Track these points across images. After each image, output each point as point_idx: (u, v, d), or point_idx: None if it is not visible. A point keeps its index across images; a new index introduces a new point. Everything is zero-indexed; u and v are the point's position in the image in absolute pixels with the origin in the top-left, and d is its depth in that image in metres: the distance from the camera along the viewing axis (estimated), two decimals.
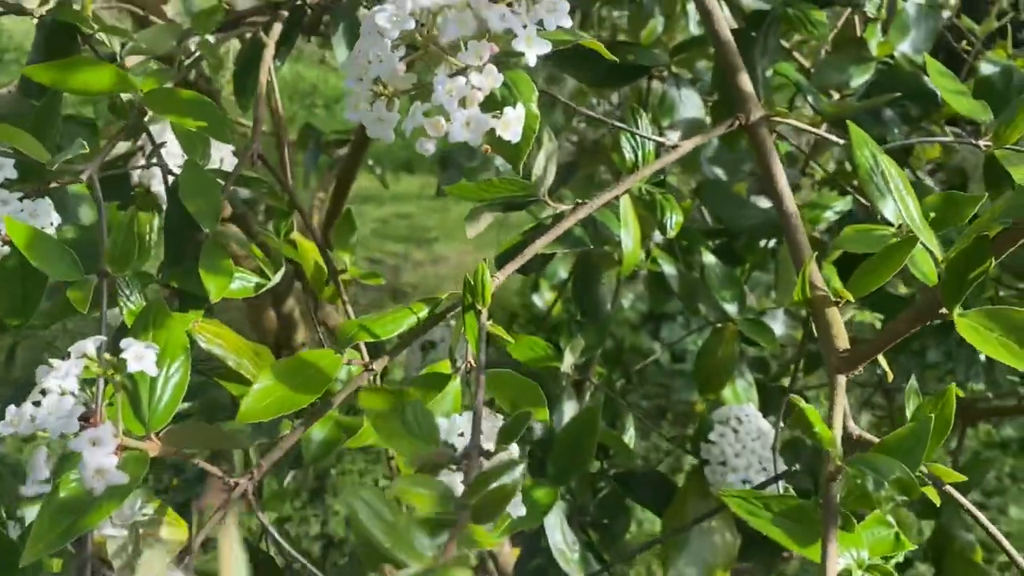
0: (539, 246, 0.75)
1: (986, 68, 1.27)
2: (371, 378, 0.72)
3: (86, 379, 0.61)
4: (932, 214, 0.85)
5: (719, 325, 1.15)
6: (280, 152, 1.10)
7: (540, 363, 1.07)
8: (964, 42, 1.68)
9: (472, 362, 0.72)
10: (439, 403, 0.72)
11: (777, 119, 0.80)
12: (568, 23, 0.63)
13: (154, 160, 0.90)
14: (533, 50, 0.62)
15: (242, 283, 0.81)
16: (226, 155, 1.13)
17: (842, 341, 0.69)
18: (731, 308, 1.13)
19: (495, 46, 0.61)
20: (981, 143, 0.90)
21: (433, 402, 0.72)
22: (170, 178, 0.90)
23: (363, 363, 0.72)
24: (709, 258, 1.14)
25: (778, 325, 1.22)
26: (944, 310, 0.61)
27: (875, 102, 1.20)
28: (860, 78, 1.39)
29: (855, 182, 1.61)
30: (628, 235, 1.00)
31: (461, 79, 0.61)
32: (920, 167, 1.58)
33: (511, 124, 0.62)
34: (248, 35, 1.21)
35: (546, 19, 0.62)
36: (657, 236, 1.21)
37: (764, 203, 1.29)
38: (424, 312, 0.71)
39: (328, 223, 2.50)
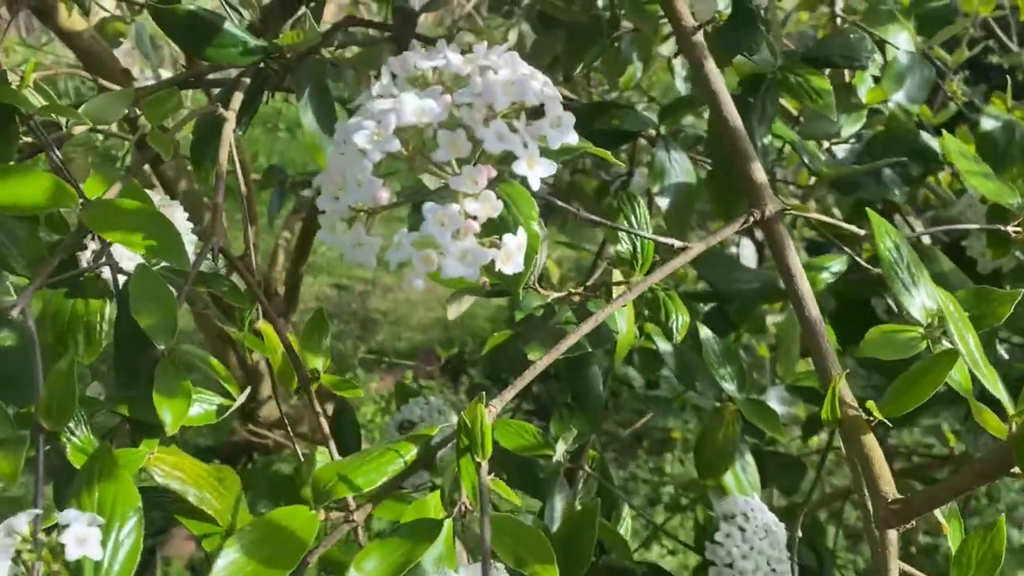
0: (543, 364, 0.67)
1: (987, 123, 1.22)
2: (352, 530, 0.63)
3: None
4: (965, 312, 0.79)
5: (718, 405, 1.08)
6: (244, 236, 1.01)
7: (530, 451, 0.99)
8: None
9: (467, 505, 0.63)
10: (428, 552, 0.64)
11: (794, 212, 0.73)
12: (575, 139, 0.55)
13: (103, 259, 0.81)
14: (536, 172, 0.54)
15: (203, 407, 0.72)
16: (179, 220, 1.03)
17: (886, 483, 0.62)
18: (731, 387, 1.05)
19: (492, 169, 0.53)
20: (1010, 228, 0.84)
21: (421, 551, 0.63)
22: (120, 278, 0.81)
23: (343, 514, 0.63)
24: (705, 332, 1.06)
25: (777, 403, 1.15)
26: (1016, 468, 0.54)
27: (875, 165, 1.14)
28: (851, 127, 1.33)
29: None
30: (622, 318, 0.93)
31: (454, 207, 0.53)
32: (909, 212, 1.52)
33: (512, 255, 0.54)
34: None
35: (551, 136, 0.54)
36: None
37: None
38: (411, 454, 0.63)
39: (295, 268, 2.41)
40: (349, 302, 4.37)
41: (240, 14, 1.27)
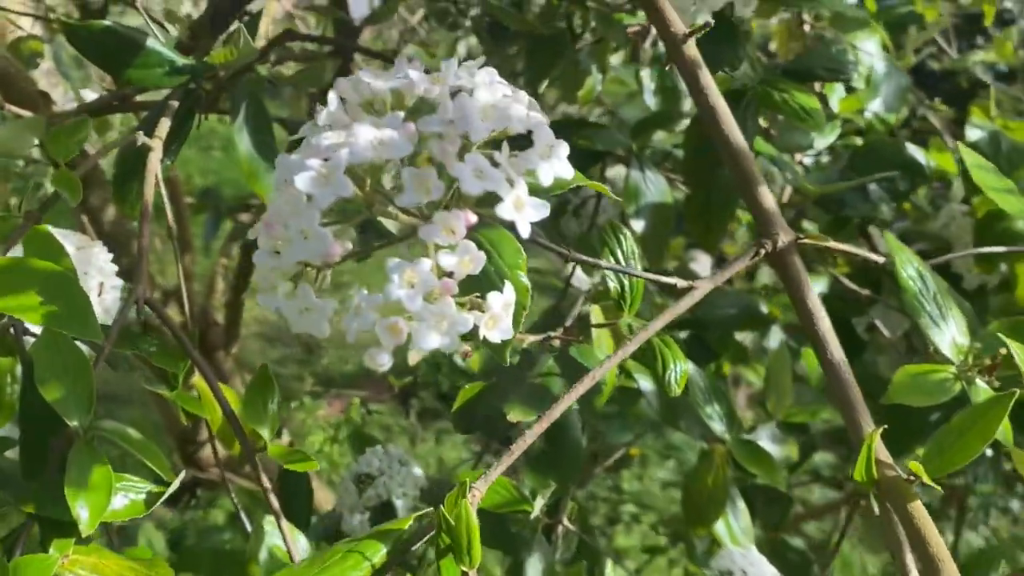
0: (535, 434, 0.57)
1: (972, 133, 1.15)
2: None
3: None
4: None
5: (706, 447, 0.98)
6: (178, 273, 0.89)
7: (507, 508, 0.89)
8: None
9: None
10: None
11: (809, 242, 0.64)
12: (570, 172, 0.46)
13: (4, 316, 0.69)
14: (525, 216, 0.44)
15: (129, 498, 0.61)
16: (101, 262, 0.91)
17: (947, 567, 0.52)
18: (719, 427, 0.96)
19: (471, 214, 0.43)
20: None
21: None
22: (28, 339, 0.69)
23: None
24: (688, 366, 0.97)
25: (768, 442, 1.06)
26: None
27: (861, 181, 1.06)
28: (825, 139, 1.25)
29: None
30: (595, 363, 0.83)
31: (425, 263, 0.43)
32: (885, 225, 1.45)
33: (499, 318, 0.44)
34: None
35: (541, 170, 0.44)
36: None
37: None
38: (380, 555, 0.52)
39: (235, 295, 2.28)
40: (313, 460, 4.22)
41: (166, 30, 1.15)
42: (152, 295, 0.75)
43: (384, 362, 0.43)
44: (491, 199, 0.44)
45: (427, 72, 0.47)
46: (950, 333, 0.67)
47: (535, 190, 0.45)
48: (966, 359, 0.66)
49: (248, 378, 2.63)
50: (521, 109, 0.44)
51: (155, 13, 1.27)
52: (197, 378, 0.87)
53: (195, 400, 0.85)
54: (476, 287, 0.45)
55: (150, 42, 0.91)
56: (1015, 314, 1.24)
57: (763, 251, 0.64)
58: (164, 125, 0.89)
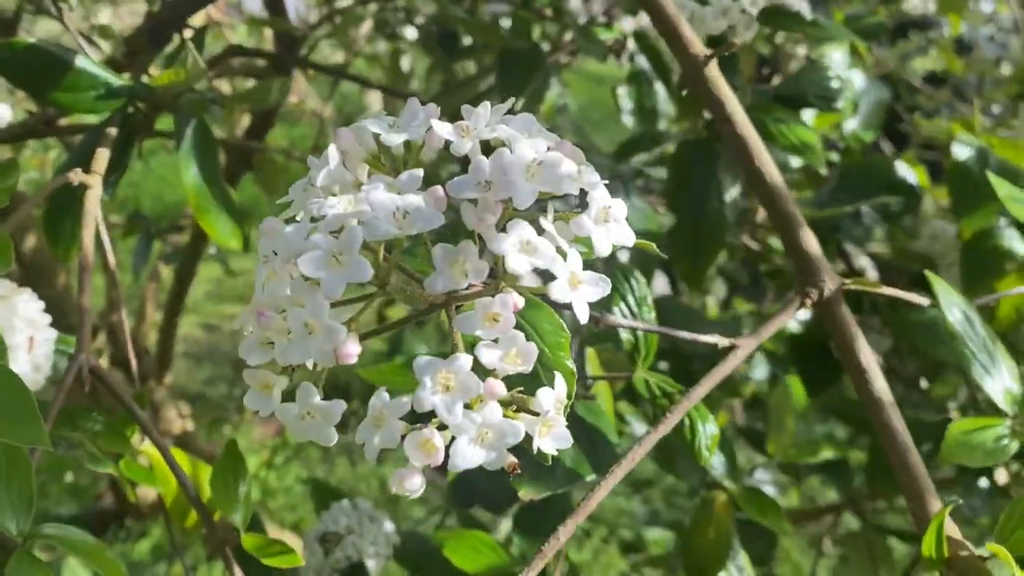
0: (572, 525, 0.48)
1: (960, 151, 1.10)
2: None
3: None
4: None
5: (706, 495, 0.92)
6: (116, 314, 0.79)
7: (492, 572, 0.81)
8: None
9: None
10: None
11: (856, 287, 0.57)
12: (631, 239, 0.38)
13: None
14: (582, 295, 0.36)
15: None
16: (30, 313, 0.80)
17: None
18: (719, 472, 0.89)
19: (518, 297, 0.35)
20: None
21: None
22: None
23: None
24: (716, 428, 0.90)
25: (768, 486, 0.99)
26: None
27: (856, 206, 1.01)
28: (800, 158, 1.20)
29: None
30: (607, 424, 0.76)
31: (463, 361, 0.34)
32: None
33: (554, 422, 0.36)
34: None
35: (597, 239, 0.36)
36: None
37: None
38: None
39: (168, 321, 2.15)
40: (219, 343, 4.04)
41: (95, 46, 1.04)
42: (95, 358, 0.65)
43: (416, 487, 0.35)
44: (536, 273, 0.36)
45: (450, 120, 0.38)
46: (1002, 382, 0.61)
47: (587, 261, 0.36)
48: (1021, 410, 0.60)
49: (183, 407, 2.49)
50: (571, 166, 0.36)
51: (81, 27, 1.15)
52: (147, 444, 0.77)
53: (145, 471, 0.75)
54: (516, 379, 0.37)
55: (80, 61, 0.81)
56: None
57: (808, 300, 0.57)
58: (102, 157, 0.78)
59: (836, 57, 1.21)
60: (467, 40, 1.59)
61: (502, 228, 0.35)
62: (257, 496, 2.97)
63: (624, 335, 0.65)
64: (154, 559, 2.70)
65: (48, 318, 0.79)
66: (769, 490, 0.93)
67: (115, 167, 0.82)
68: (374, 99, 2.48)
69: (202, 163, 0.88)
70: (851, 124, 1.23)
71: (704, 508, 0.91)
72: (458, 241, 0.37)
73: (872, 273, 1.37)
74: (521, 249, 0.34)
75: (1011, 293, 0.78)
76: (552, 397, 0.36)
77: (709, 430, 0.62)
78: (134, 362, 0.79)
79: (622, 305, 0.66)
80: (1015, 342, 0.98)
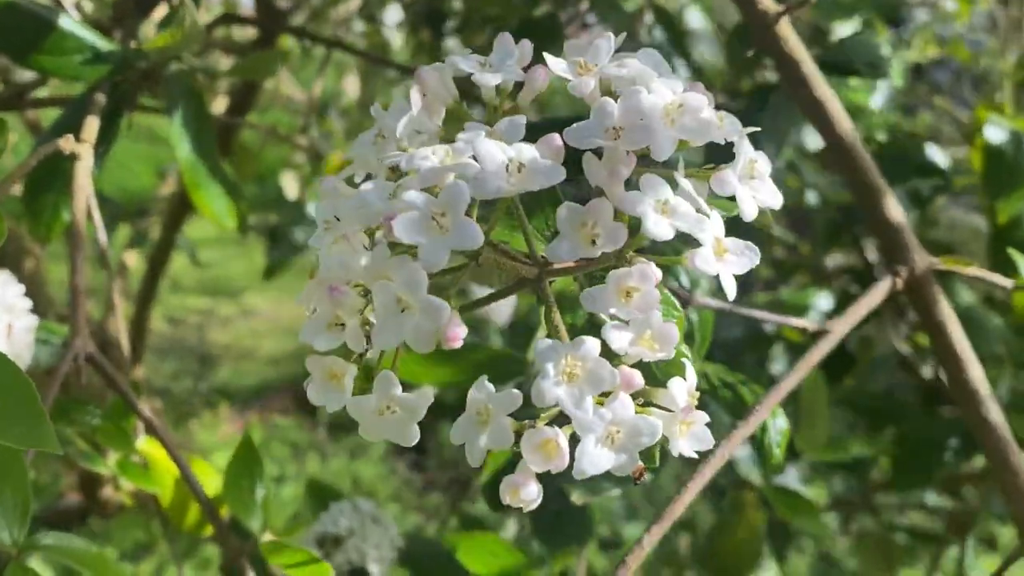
0: (658, 534, 0.42)
1: (993, 134, 1.06)
2: None
3: None
4: None
5: (735, 494, 0.86)
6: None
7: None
8: None
9: None
10: None
11: (949, 268, 0.52)
12: (780, 200, 0.31)
13: None
14: (729, 267, 0.30)
15: None
16: (11, 299, 0.72)
17: None
18: (748, 469, 0.84)
19: (655, 268, 0.29)
20: None
21: None
22: None
23: None
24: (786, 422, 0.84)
25: (793, 479, 0.94)
26: None
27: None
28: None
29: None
30: None
31: (592, 345, 0.28)
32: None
33: (694, 418, 0.30)
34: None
35: (743, 199, 0.30)
36: None
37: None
38: None
39: (140, 311, 2.06)
40: (185, 336, 3.92)
41: (81, 10, 0.95)
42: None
43: (533, 496, 0.28)
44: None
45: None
46: None
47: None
48: None
49: (156, 403, 2.40)
50: (712, 111, 0.30)
51: None
52: (142, 440, 0.69)
53: (142, 471, 0.68)
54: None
55: (65, 22, 0.73)
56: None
57: (899, 279, 0.51)
58: (92, 125, 0.71)
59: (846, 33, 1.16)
60: (454, 23, 1.52)
61: (638, 188, 0.28)
62: None
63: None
64: (119, 559, 2.60)
65: (28, 303, 0.71)
66: (800, 488, 0.88)
67: (103, 139, 0.75)
68: (351, 86, 2.40)
69: (196, 137, 0.82)
70: (877, 101, 1.18)
71: (733, 508, 0.86)
72: (543, 204, 0.31)
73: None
74: (660, 210, 0.28)
75: None
76: (684, 388, 0.30)
77: (779, 424, 0.56)
78: (125, 345, 0.71)
79: (676, 284, 0.60)
80: None
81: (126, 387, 0.56)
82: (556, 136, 0.29)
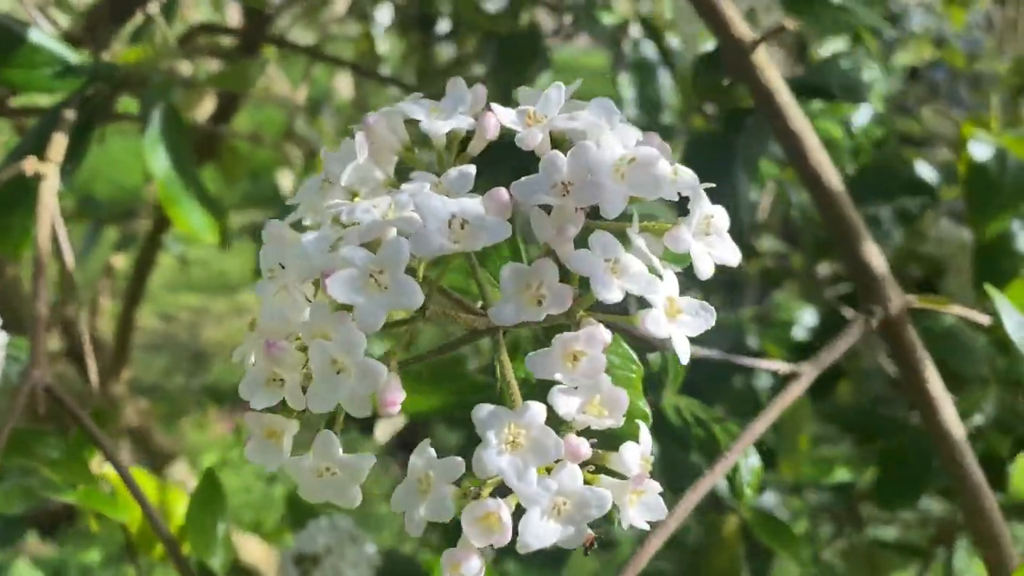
0: (648, 553, 0.41)
1: (978, 151, 1.05)
2: None
3: None
4: None
5: (714, 518, 0.85)
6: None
7: None
8: None
9: None
10: None
11: (926, 306, 0.51)
12: (737, 257, 0.30)
13: None
14: (682, 328, 0.29)
15: None
16: None
17: None
18: (729, 493, 0.83)
19: (604, 330, 0.28)
20: None
21: None
22: None
23: None
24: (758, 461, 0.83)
25: (775, 507, 0.93)
26: None
27: (873, 209, 0.95)
28: None
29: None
30: None
31: (537, 412, 0.27)
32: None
33: (646, 488, 0.29)
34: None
35: (699, 257, 0.29)
36: None
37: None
38: None
39: (127, 313, 2.05)
40: (176, 333, 3.90)
41: (53, 22, 0.94)
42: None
43: (474, 570, 0.27)
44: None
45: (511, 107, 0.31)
46: None
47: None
48: None
49: (142, 405, 2.38)
50: (667, 166, 0.29)
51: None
52: (108, 467, 0.68)
53: (107, 499, 0.66)
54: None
55: (35, 35, 0.72)
56: None
57: (873, 320, 0.50)
58: (58, 143, 0.69)
59: (837, 48, 1.15)
60: (446, 26, 1.51)
61: (586, 246, 0.27)
62: None
63: (651, 355, 0.58)
64: (106, 562, 2.59)
65: None
66: (780, 512, 0.87)
67: (73, 155, 0.74)
68: (343, 85, 2.39)
69: (171, 149, 0.80)
70: (860, 119, 1.17)
71: (713, 533, 0.85)
72: (499, 249, 0.30)
73: None
74: (610, 271, 0.27)
75: None
76: (638, 453, 0.29)
77: (751, 463, 0.55)
78: (93, 374, 0.70)
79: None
80: None
81: (86, 419, 0.55)
82: (503, 191, 0.28)
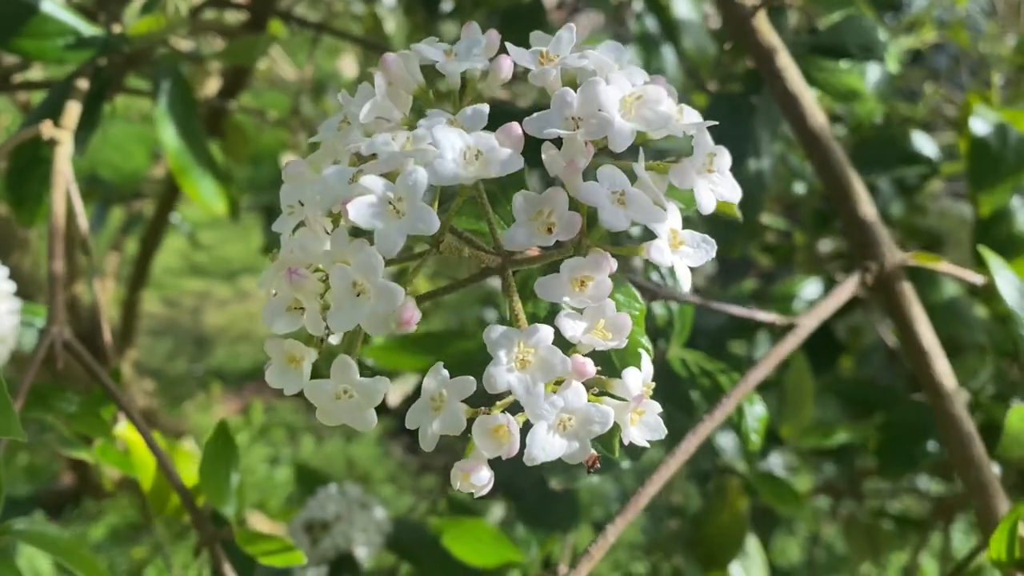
0: (632, 514, 0.43)
1: (978, 126, 1.05)
2: None
3: None
4: None
5: (719, 480, 0.87)
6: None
7: (501, 565, 0.76)
8: None
9: None
10: None
11: (920, 264, 0.52)
12: (738, 194, 0.32)
13: None
14: (684, 259, 0.30)
15: None
16: None
17: None
18: (731, 455, 0.85)
19: (612, 259, 0.29)
20: None
21: None
22: None
23: None
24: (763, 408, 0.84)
25: (780, 470, 0.95)
26: None
27: (872, 180, 0.96)
28: None
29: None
30: None
31: (545, 333, 0.28)
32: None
33: (646, 408, 0.30)
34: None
35: (702, 193, 0.30)
36: None
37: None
38: None
39: (132, 293, 2.06)
40: (180, 318, 3.92)
41: None
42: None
43: (484, 481, 0.29)
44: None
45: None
46: None
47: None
48: None
49: (148, 385, 2.39)
50: (672, 104, 0.30)
51: None
52: (122, 426, 0.70)
53: (122, 456, 0.68)
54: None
55: (47, 5, 0.73)
56: None
57: (868, 275, 0.51)
58: (72, 111, 0.71)
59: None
60: (450, 4, 1.51)
61: (594, 178, 0.29)
62: None
63: (657, 309, 0.60)
64: (112, 541, 2.61)
65: (12, 286, 0.71)
66: (783, 475, 0.89)
67: (85, 125, 0.75)
68: (347, 65, 2.39)
69: (181, 122, 0.82)
70: (871, 79, 1.17)
71: (717, 494, 0.87)
72: (509, 194, 0.31)
73: None
74: (616, 200, 0.28)
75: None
76: (639, 379, 0.30)
77: (757, 411, 0.57)
78: (107, 334, 0.72)
79: (655, 276, 0.60)
80: None
81: (104, 374, 0.56)
82: (515, 125, 0.29)
